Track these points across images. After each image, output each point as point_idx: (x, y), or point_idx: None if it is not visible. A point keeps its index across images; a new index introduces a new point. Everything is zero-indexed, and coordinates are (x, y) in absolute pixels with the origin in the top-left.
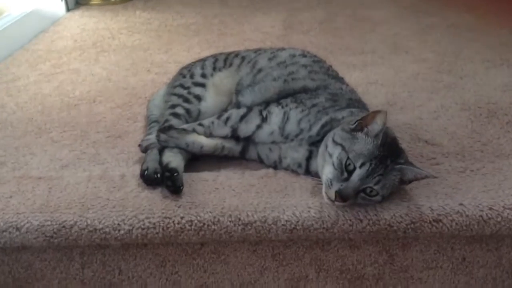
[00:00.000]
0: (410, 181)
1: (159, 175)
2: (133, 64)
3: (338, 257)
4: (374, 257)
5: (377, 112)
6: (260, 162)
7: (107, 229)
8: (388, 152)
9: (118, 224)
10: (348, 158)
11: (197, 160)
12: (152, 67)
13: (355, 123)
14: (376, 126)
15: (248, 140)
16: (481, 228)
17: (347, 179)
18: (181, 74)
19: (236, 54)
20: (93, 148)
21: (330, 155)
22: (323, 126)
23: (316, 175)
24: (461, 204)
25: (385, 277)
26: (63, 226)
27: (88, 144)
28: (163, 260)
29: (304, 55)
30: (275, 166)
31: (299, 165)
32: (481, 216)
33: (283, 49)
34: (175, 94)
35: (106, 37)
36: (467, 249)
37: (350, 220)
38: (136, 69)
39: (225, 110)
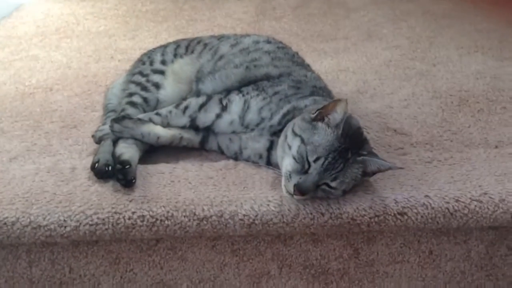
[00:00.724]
0: (373, 173)
1: (110, 168)
2: (96, 50)
3: (301, 252)
4: (339, 252)
5: (337, 101)
6: (221, 153)
7: (52, 226)
8: (350, 143)
9: (64, 220)
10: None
11: (155, 151)
12: (116, 54)
13: (315, 112)
14: (336, 115)
15: (208, 130)
16: (448, 221)
17: (306, 172)
18: (141, 60)
19: (199, 41)
20: (45, 139)
21: (289, 147)
22: (284, 115)
23: (278, 167)
24: (426, 196)
25: (350, 272)
26: (5, 223)
27: (40, 134)
28: (117, 257)
29: (268, 42)
30: (236, 157)
31: (260, 156)
32: (447, 208)
33: (247, 35)
34: (133, 82)
35: (71, 22)
36: (434, 242)
37: (311, 214)
38: (98, 56)
39: (185, 98)
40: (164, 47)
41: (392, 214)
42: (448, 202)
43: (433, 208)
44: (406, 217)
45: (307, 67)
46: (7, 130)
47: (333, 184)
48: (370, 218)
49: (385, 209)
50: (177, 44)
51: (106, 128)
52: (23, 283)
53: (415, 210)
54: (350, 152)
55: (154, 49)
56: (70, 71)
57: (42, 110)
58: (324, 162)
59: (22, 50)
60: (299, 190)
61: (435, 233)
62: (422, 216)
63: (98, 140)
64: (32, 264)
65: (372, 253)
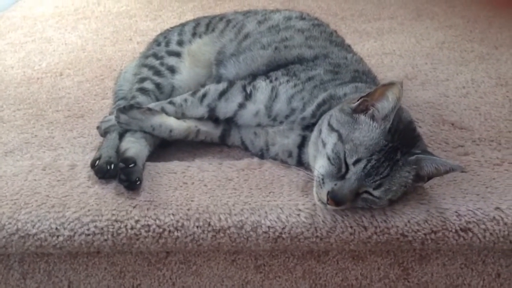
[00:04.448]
0: (429, 177)
1: (113, 166)
2: (115, 32)
3: (338, 270)
4: (384, 271)
5: (388, 85)
6: (245, 149)
7: (42, 235)
8: (400, 141)
9: (56, 229)
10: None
11: (168, 146)
12: (135, 36)
13: (358, 100)
14: (386, 104)
15: (229, 123)
16: None
17: (343, 177)
18: (156, 41)
19: (221, 18)
20: (47, 130)
21: (324, 144)
22: (319, 106)
23: (310, 168)
24: (497, 208)
25: None
26: None
27: (42, 125)
28: (121, 271)
29: (302, 18)
30: (262, 155)
31: (290, 154)
32: None
33: (277, 11)
34: (145, 66)
35: (91, 2)
36: (503, 264)
37: (351, 227)
38: (116, 38)
39: (203, 85)
40: (183, 25)
41: (453, 230)
42: None
43: (505, 223)
44: (471, 234)
45: (347, 48)
46: (7, 119)
47: (376, 192)
48: (425, 234)
49: (444, 223)
50: (197, 22)
51: (113, 118)
52: None
53: (482, 226)
54: (399, 152)
55: (172, 28)
56: (84, 54)
57: (48, 97)
58: (366, 165)
59: (36, 32)
60: (334, 199)
61: (505, 252)
62: (491, 234)
63: (104, 133)
64: (26, 276)
65: (425, 274)
